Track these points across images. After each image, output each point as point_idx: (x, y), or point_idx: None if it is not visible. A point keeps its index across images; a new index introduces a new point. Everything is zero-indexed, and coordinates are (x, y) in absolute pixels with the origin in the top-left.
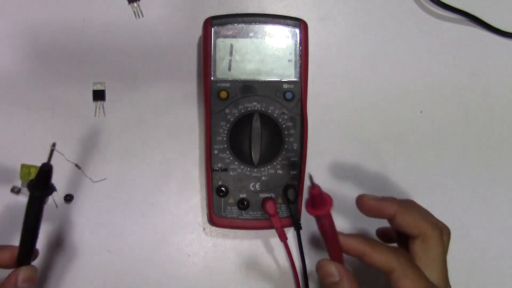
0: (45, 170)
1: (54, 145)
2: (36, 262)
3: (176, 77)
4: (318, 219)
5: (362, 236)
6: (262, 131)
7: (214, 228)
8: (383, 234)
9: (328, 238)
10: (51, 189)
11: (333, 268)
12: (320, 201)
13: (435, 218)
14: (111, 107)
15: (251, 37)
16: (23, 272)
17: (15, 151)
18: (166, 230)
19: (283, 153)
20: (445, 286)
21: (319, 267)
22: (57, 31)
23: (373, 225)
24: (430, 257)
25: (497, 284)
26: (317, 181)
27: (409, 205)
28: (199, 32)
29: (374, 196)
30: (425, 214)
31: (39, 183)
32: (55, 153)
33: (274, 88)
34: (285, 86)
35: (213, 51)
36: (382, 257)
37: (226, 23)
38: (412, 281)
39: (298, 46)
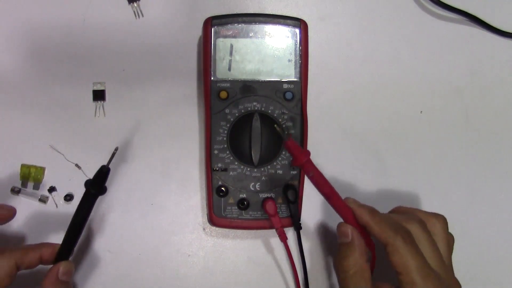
0: (104, 172)
1: (116, 149)
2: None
3: (176, 77)
4: (307, 172)
5: (370, 207)
6: (262, 131)
7: (214, 228)
8: None
9: (325, 192)
10: (104, 189)
11: (348, 230)
12: (298, 151)
13: (402, 218)
14: (111, 107)
15: (251, 37)
16: (63, 266)
17: (15, 151)
18: (166, 230)
19: (283, 153)
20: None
21: (337, 227)
22: (57, 31)
23: None
24: (402, 263)
25: (498, 283)
26: None
27: (377, 214)
28: (199, 32)
29: (354, 200)
30: (389, 220)
31: (97, 182)
32: (55, 153)
33: (274, 88)
34: (285, 86)
35: (213, 51)
36: (380, 231)
37: (226, 23)
38: (402, 257)
39: (298, 46)
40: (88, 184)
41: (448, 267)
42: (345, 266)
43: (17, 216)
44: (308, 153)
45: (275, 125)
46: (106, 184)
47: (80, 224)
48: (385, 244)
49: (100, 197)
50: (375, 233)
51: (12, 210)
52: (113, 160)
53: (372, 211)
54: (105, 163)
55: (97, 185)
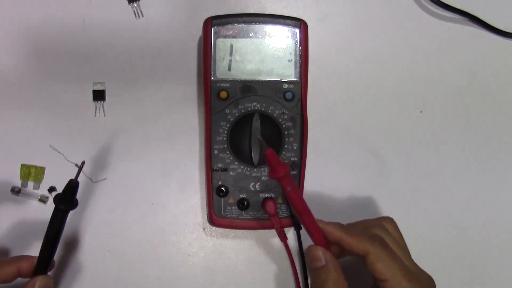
0: (72, 186)
1: (83, 163)
2: None
3: (176, 77)
4: (285, 186)
5: (339, 223)
6: (262, 131)
7: (214, 228)
8: None
9: (299, 209)
10: (75, 204)
11: (320, 253)
12: (276, 163)
13: (367, 226)
14: (111, 107)
15: (251, 37)
16: (39, 281)
17: (15, 151)
18: (166, 230)
19: (283, 153)
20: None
21: (307, 251)
22: (57, 31)
23: None
24: (387, 269)
25: (498, 283)
26: (317, 181)
27: (348, 227)
28: (199, 32)
29: (321, 220)
30: (361, 230)
31: (65, 197)
32: (55, 153)
33: (274, 88)
34: (285, 86)
35: (213, 51)
36: (358, 242)
37: (226, 23)
38: (386, 263)
39: (298, 46)
40: (57, 199)
41: (415, 264)
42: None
43: (17, 216)
44: (287, 167)
45: (258, 136)
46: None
47: (53, 239)
48: (365, 254)
49: (100, 197)
50: (352, 245)
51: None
52: (113, 160)
53: (341, 225)
54: (105, 162)
55: (66, 200)
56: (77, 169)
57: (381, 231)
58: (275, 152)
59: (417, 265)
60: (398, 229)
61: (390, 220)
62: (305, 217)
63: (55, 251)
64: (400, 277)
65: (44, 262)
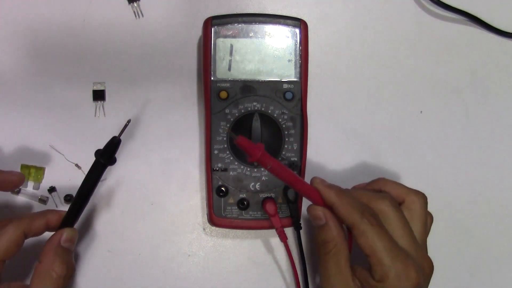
0: (115, 143)
1: (129, 121)
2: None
3: (176, 77)
4: (265, 165)
5: (338, 187)
6: (262, 131)
7: (214, 228)
8: None
9: (289, 180)
10: (114, 160)
11: (320, 212)
12: (250, 146)
13: (372, 197)
14: (111, 107)
15: (251, 37)
16: (66, 233)
17: (15, 151)
18: (166, 230)
19: (283, 153)
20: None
21: (308, 211)
22: (57, 31)
23: None
24: (369, 245)
25: (498, 283)
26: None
27: (344, 195)
28: (199, 32)
29: (322, 180)
30: (356, 202)
31: (107, 152)
32: (55, 153)
33: (274, 88)
34: (285, 86)
35: (213, 51)
36: (346, 213)
37: (226, 23)
38: (368, 239)
39: (298, 46)
40: (98, 154)
41: (420, 245)
42: (325, 247)
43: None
44: (262, 146)
45: (227, 130)
46: (116, 156)
47: (86, 194)
48: (351, 226)
49: (100, 197)
50: (341, 215)
51: (22, 176)
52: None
53: (339, 192)
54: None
55: (107, 156)
56: (77, 169)
57: (385, 204)
58: (245, 138)
59: (421, 248)
60: (423, 207)
61: (418, 197)
62: (297, 185)
63: (85, 206)
64: (382, 253)
65: (73, 215)
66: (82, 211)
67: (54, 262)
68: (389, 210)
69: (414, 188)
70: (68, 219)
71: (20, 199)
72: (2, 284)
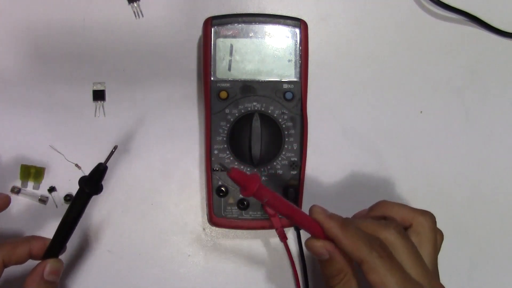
0: (101, 170)
1: (115, 147)
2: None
3: (176, 77)
4: (261, 198)
5: (340, 218)
6: (262, 131)
7: (214, 228)
8: None
9: (287, 213)
10: (100, 188)
11: (321, 249)
12: (245, 179)
13: (376, 226)
14: (111, 107)
15: (251, 37)
16: (50, 264)
17: (15, 151)
18: (166, 230)
19: (283, 153)
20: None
21: (308, 247)
22: (57, 31)
23: None
24: (380, 281)
25: (498, 284)
26: (317, 181)
27: (348, 227)
28: (199, 32)
29: (322, 210)
30: (362, 233)
31: (92, 180)
32: (55, 153)
33: (274, 88)
34: (285, 86)
35: (213, 51)
36: (353, 247)
37: (226, 23)
38: (380, 274)
39: (298, 46)
40: (82, 182)
41: (431, 273)
42: (333, 280)
43: (16, 217)
44: (258, 178)
45: (217, 164)
46: (103, 183)
47: (71, 223)
48: (360, 261)
49: (101, 197)
50: (347, 249)
51: (8, 199)
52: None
53: (342, 223)
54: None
55: (92, 184)
56: (77, 169)
57: (391, 232)
58: (238, 169)
59: (432, 275)
60: (432, 228)
61: (426, 218)
62: (297, 218)
63: (71, 235)
64: None
65: (57, 245)
66: (67, 241)
67: None
68: (395, 239)
69: (419, 203)
70: (53, 249)
71: (20, 199)
72: None
